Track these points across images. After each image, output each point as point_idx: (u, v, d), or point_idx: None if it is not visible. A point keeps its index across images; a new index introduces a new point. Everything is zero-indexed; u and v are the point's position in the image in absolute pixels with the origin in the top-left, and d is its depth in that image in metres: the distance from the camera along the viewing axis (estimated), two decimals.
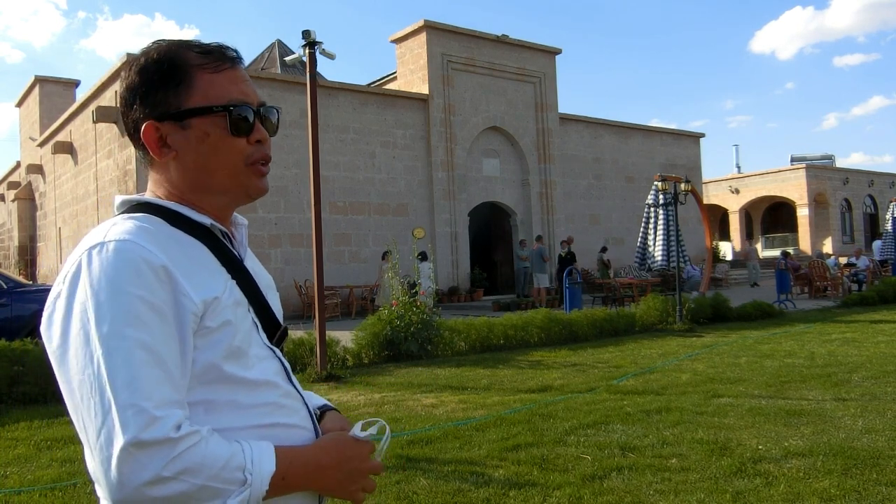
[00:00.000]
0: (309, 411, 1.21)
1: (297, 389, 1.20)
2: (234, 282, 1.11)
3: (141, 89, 1.13)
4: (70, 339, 0.98)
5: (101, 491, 0.96)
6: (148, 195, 1.16)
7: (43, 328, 1.02)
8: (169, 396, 0.95)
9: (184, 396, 0.99)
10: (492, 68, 21.45)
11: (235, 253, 1.18)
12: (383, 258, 16.33)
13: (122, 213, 1.13)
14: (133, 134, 1.15)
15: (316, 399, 1.35)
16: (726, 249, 36.04)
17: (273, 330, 1.18)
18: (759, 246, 39.15)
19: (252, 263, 1.22)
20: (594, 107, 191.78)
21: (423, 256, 16.37)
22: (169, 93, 1.11)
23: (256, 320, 1.15)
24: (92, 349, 0.95)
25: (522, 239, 20.78)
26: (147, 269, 0.99)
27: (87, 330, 0.96)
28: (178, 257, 1.04)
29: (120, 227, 1.04)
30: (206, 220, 1.13)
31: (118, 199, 1.17)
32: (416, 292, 10.03)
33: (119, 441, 0.91)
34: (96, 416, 0.94)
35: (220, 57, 1.14)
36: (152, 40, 1.17)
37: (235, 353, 1.07)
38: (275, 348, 1.18)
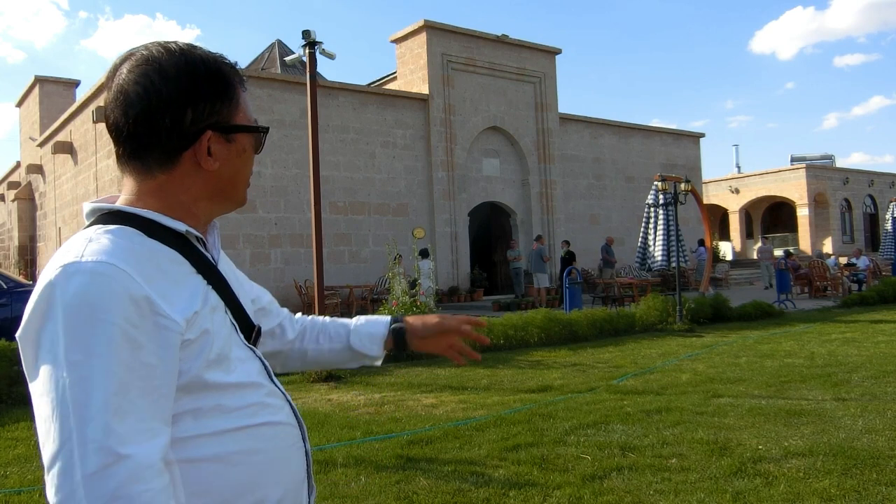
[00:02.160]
0: (292, 407, 1.22)
1: (279, 388, 1.21)
2: (210, 287, 1.11)
3: (197, 95, 1.10)
4: (39, 359, 0.95)
5: None
6: (122, 202, 1.12)
7: (18, 337, 1.00)
8: (130, 427, 0.93)
9: (154, 423, 0.96)
10: (492, 68, 21.44)
11: (209, 257, 1.17)
12: (424, 256, 16.20)
13: (94, 222, 1.09)
14: (162, 135, 1.09)
15: (379, 325, 1.50)
16: (726, 249, 36.05)
17: (248, 330, 1.19)
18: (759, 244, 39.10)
19: (225, 266, 1.23)
20: (594, 107, 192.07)
21: (423, 254, 16.30)
22: (224, 105, 1.13)
23: (234, 322, 1.15)
24: (59, 376, 0.92)
25: (513, 240, 20.73)
26: (124, 296, 0.96)
27: (57, 353, 0.93)
28: (156, 276, 1.02)
29: (96, 244, 1.01)
30: (180, 227, 1.11)
31: (88, 206, 1.13)
32: (416, 291, 10.01)
33: (75, 475, 0.89)
34: (53, 442, 0.92)
35: (243, 77, 1.20)
36: (162, 42, 1.14)
37: (217, 360, 1.07)
38: (254, 348, 1.19)
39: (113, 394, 0.92)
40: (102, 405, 0.91)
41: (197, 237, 1.15)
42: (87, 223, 1.11)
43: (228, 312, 1.14)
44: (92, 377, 0.92)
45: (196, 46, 1.16)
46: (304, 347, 1.48)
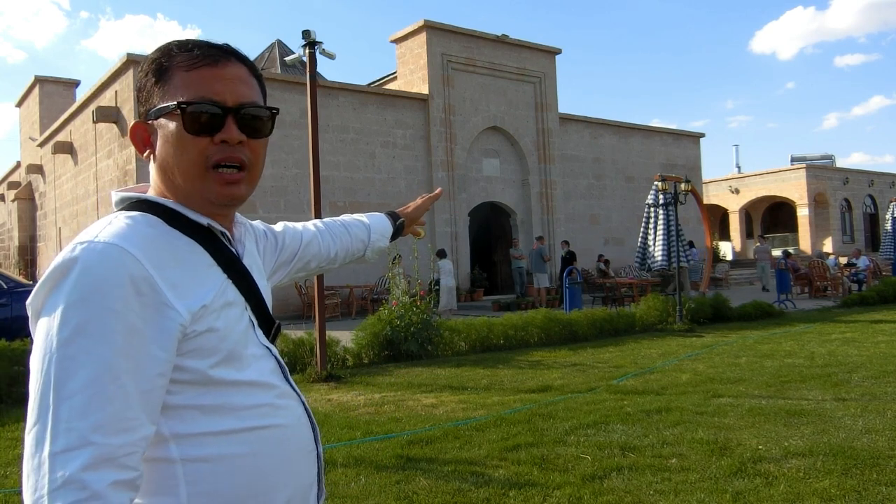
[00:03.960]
0: (306, 409, 1.21)
1: (293, 388, 1.20)
2: (230, 282, 1.11)
3: (136, 88, 1.15)
4: (37, 329, 0.96)
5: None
6: (149, 192, 1.15)
7: (27, 304, 1.00)
8: (108, 415, 0.92)
9: (138, 414, 0.95)
10: (492, 68, 21.44)
11: (233, 251, 1.17)
12: (441, 256, 16.23)
13: (121, 209, 1.11)
14: None
15: (382, 223, 1.72)
16: (726, 249, 36.04)
17: (268, 327, 1.18)
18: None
19: (250, 260, 1.22)
20: (594, 107, 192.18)
21: (441, 254, 16.28)
22: (154, 92, 1.11)
23: (253, 318, 1.14)
24: (47, 348, 0.93)
25: (514, 238, 20.75)
26: (128, 282, 0.96)
27: (51, 327, 0.94)
28: (169, 264, 1.02)
29: (114, 227, 1.02)
30: (202, 220, 1.12)
31: (116, 194, 1.15)
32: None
33: (44, 449, 0.90)
34: (32, 412, 0.93)
35: (198, 54, 1.11)
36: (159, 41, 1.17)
37: (227, 357, 1.07)
38: (271, 346, 1.18)
39: (96, 378, 0.92)
40: (82, 387, 0.91)
41: (221, 231, 1.15)
42: (114, 210, 1.13)
43: (248, 308, 1.14)
44: (78, 357, 0.92)
45: (175, 40, 1.15)
46: (335, 255, 1.63)
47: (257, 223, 1.41)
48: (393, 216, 1.78)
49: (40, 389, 0.92)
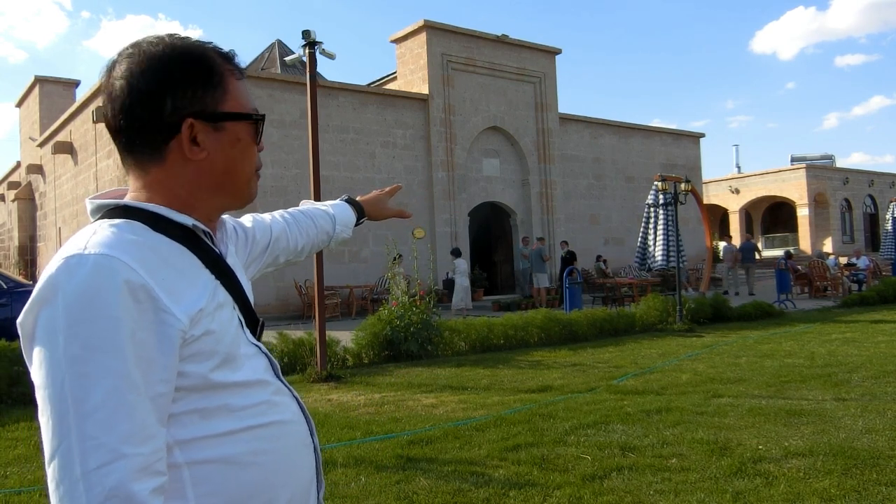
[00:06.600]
0: (300, 404, 1.22)
1: (285, 385, 1.20)
2: (218, 282, 1.10)
3: (175, 84, 1.08)
4: (39, 350, 0.94)
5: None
6: (128, 198, 1.11)
7: (18, 324, 0.98)
8: (130, 426, 0.91)
9: (152, 421, 0.95)
10: (492, 68, 21.44)
11: (218, 251, 1.16)
12: (457, 255, 16.26)
13: (100, 217, 1.08)
14: (144, 127, 1.07)
15: (346, 214, 1.74)
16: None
17: (254, 325, 1.18)
18: (760, 244, 38.97)
19: (233, 259, 1.22)
20: (594, 107, 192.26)
21: (456, 253, 16.28)
22: (207, 92, 1.09)
23: (241, 317, 1.15)
24: (58, 369, 0.91)
25: (525, 236, 20.75)
26: (126, 291, 0.94)
27: (56, 346, 0.92)
28: (161, 270, 1.00)
29: (99, 236, 0.99)
30: (187, 221, 1.09)
31: (91, 203, 1.11)
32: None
33: (75, 470, 0.89)
34: (53, 437, 0.91)
35: (238, 64, 1.17)
36: (157, 34, 1.14)
37: (225, 359, 1.06)
38: (260, 344, 1.19)
39: (114, 389, 0.91)
40: (102, 401, 0.90)
41: (204, 231, 1.13)
42: (92, 220, 1.09)
43: (236, 308, 1.13)
44: (92, 373, 0.91)
45: (189, 38, 1.13)
46: (302, 248, 1.65)
47: (226, 218, 1.38)
48: (355, 206, 1.81)
49: (57, 412, 0.91)
